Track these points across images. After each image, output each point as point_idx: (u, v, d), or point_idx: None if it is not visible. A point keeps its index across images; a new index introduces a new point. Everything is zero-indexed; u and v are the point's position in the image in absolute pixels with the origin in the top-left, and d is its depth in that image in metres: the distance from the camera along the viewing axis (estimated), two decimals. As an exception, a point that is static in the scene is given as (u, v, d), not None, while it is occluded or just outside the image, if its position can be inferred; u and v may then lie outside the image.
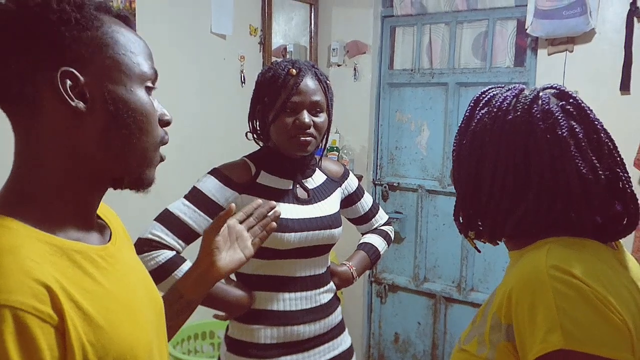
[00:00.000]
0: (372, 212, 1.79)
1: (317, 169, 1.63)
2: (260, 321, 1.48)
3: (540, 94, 0.94)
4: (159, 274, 1.34)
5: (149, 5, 2.43)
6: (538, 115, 0.91)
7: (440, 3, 3.09)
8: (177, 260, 1.38)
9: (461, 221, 1.02)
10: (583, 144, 0.90)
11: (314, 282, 1.55)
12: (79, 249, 0.74)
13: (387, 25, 3.36)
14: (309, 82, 1.47)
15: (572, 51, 2.67)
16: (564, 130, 0.89)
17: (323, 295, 1.57)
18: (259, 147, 1.59)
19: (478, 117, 0.96)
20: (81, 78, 0.73)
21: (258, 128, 1.55)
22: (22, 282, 0.64)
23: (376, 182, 3.47)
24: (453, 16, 3.10)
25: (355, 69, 3.36)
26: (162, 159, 0.85)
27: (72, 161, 0.76)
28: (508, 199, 0.92)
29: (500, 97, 0.96)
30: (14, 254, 0.67)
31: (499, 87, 1.01)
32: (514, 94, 0.95)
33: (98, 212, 0.85)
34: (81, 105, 0.73)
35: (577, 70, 2.66)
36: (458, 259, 3.23)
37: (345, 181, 1.71)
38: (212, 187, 1.45)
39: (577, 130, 0.90)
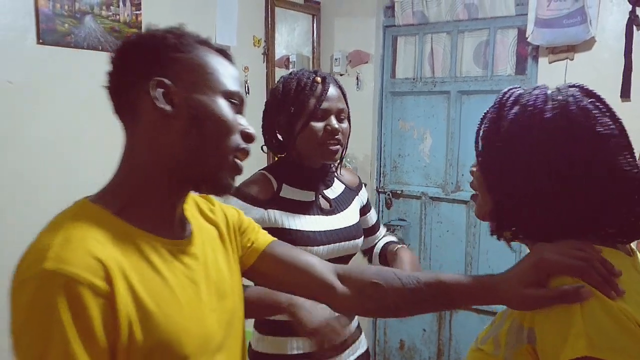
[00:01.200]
0: (377, 224, 1.80)
1: (335, 178, 1.63)
2: (289, 333, 1.43)
3: (571, 90, 0.94)
4: None
5: (154, 16, 2.46)
6: (576, 113, 0.90)
7: (442, 13, 3.12)
8: None
9: (497, 224, 0.99)
10: (618, 139, 0.91)
11: None
12: (148, 240, 0.85)
13: (389, 35, 3.39)
14: (333, 90, 1.50)
15: (572, 59, 2.70)
16: (603, 127, 0.90)
17: None
18: (276, 159, 1.58)
19: (510, 117, 0.94)
20: (171, 86, 0.86)
21: (280, 139, 1.53)
22: (82, 258, 0.75)
23: (380, 190, 3.49)
24: (454, 25, 3.13)
25: (357, 78, 3.39)
26: (240, 171, 0.92)
27: (157, 159, 0.87)
28: (557, 199, 0.90)
29: (530, 96, 0.94)
30: (83, 233, 0.78)
31: (517, 87, 0.99)
32: (544, 92, 0.94)
33: (197, 208, 1.00)
34: (168, 108, 0.85)
35: (578, 78, 2.69)
36: (462, 266, 3.25)
37: (361, 190, 1.72)
38: (236, 207, 1.44)
39: (612, 127, 0.91)
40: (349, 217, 1.59)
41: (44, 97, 2.15)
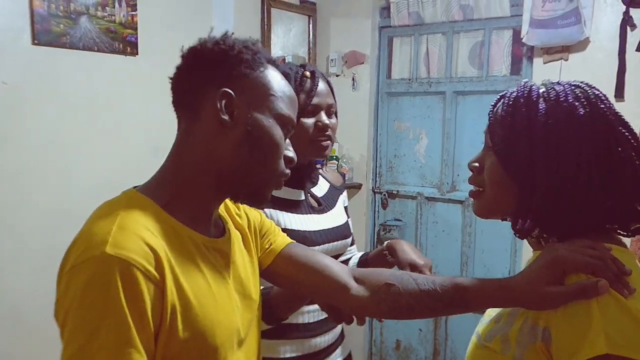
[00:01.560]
0: (352, 236, 1.69)
1: (319, 175, 1.61)
2: (283, 336, 1.44)
3: (595, 91, 0.95)
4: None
5: (150, 17, 2.47)
6: (608, 112, 0.92)
7: (437, 13, 3.13)
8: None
9: (527, 224, 0.96)
10: (637, 140, 0.94)
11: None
12: (190, 235, 0.91)
13: (385, 36, 3.40)
14: (322, 85, 1.47)
15: (567, 59, 2.71)
16: (630, 128, 0.94)
17: None
18: None
19: (542, 112, 0.93)
20: (235, 99, 0.91)
21: None
22: (138, 245, 0.81)
23: (375, 190, 3.50)
24: (450, 26, 3.15)
25: (353, 78, 3.40)
26: (279, 186, 0.99)
27: (208, 161, 0.92)
28: (594, 194, 0.91)
29: (555, 90, 0.94)
30: (137, 223, 0.84)
31: (531, 83, 0.99)
32: (569, 88, 0.94)
33: (226, 212, 1.06)
34: (227, 119, 0.91)
35: (572, 78, 2.64)
36: (458, 265, 3.26)
37: (344, 191, 1.69)
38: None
39: (632, 130, 0.94)
40: (337, 215, 1.57)
41: (39, 98, 2.15)
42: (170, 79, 0.96)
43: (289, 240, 1.15)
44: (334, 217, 1.55)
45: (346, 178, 3.38)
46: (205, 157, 0.93)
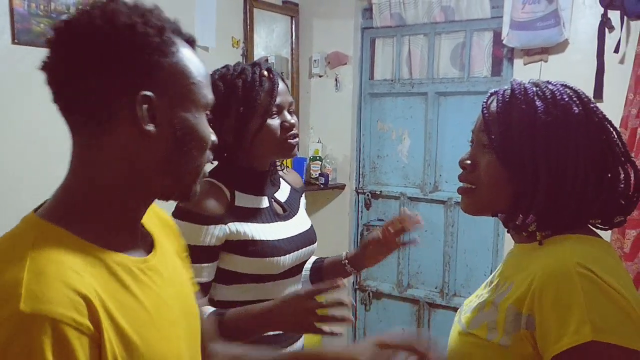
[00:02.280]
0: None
1: (280, 178, 1.54)
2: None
3: (583, 92, 1.00)
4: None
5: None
6: (598, 111, 0.98)
7: (419, 15, 3.15)
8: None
9: (530, 219, 0.99)
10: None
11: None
12: (119, 261, 0.76)
13: (367, 37, 3.42)
14: (281, 83, 1.40)
15: (546, 61, 2.75)
16: (614, 125, 0.99)
17: None
18: (217, 164, 1.44)
19: (541, 109, 0.95)
20: (156, 101, 0.75)
21: (223, 144, 1.34)
22: (63, 293, 0.65)
23: (359, 191, 3.51)
24: (431, 27, 3.17)
25: (336, 79, 3.41)
26: (204, 176, 0.88)
27: (130, 177, 0.78)
28: (592, 189, 0.95)
29: (549, 90, 0.98)
30: (58, 264, 0.68)
31: (522, 82, 1.02)
32: (561, 88, 0.98)
33: (153, 220, 0.91)
34: (151, 128, 0.75)
35: (552, 79, 2.69)
36: (440, 265, 3.28)
37: (304, 193, 1.63)
38: (196, 235, 1.29)
39: (615, 129, 1.00)
40: (303, 220, 1.52)
41: (19, 97, 2.12)
42: (42, 69, 0.75)
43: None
44: (300, 223, 1.49)
45: (330, 178, 3.39)
46: (128, 175, 0.78)
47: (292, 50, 3.47)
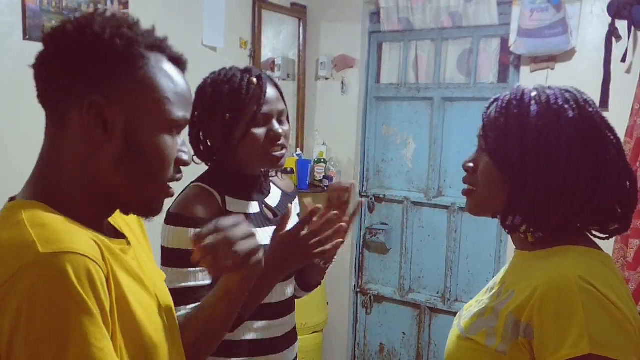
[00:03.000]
0: None
1: (271, 184, 1.51)
2: (252, 353, 1.36)
3: (584, 96, 1.00)
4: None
5: (142, 15, 2.45)
6: (596, 116, 0.98)
7: (427, 20, 3.16)
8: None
9: (516, 220, 1.01)
10: (621, 144, 1.01)
11: (288, 306, 1.46)
12: (101, 239, 0.78)
13: (375, 41, 3.43)
14: (271, 90, 1.35)
15: (553, 69, 2.75)
16: (615, 134, 0.99)
17: (293, 319, 1.49)
18: (209, 168, 1.42)
19: (534, 114, 0.97)
20: (108, 111, 0.77)
21: (212, 147, 1.37)
22: (83, 238, 0.72)
23: (363, 194, 3.52)
24: (439, 33, 3.18)
25: (342, 82, 3.42)
26: (170, 195, 0.87)
27: (80, 178, 0.80)
28: (582, 193, 0.95)
29: (546, 94, 0.99)
30: (55, 218, 0.73)
31: (524, 86, 1.03)
32: (560, 93, 0.99)
33: (113, 219, 0.91)
34: (99, 133, 0.77)
35: (558, 87, 2.73)
36: (442, 270, 3.28)
37: (296, 198, 1.60)
38: (189, 239, 1.24)
39: (616, 134, 1.00)
40: (293, 224, 1.46)
41: (30, 94, 2.13)
42: (32, 66, 0.81)
43: None
44: (290, 227, 1.46)
45: (333, 181, 3.40)
46: (78, 175, 0.79)
47: (299, 52, 3.48)
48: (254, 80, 1.33)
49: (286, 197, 1.54)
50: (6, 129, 2.09)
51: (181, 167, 0.89)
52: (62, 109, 0.78)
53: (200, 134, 1.38)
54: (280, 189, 1.55)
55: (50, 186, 0.80)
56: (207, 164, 1.43)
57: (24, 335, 0.64)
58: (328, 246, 1.22)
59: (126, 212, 0.87)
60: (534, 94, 1.00)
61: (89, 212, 0.81)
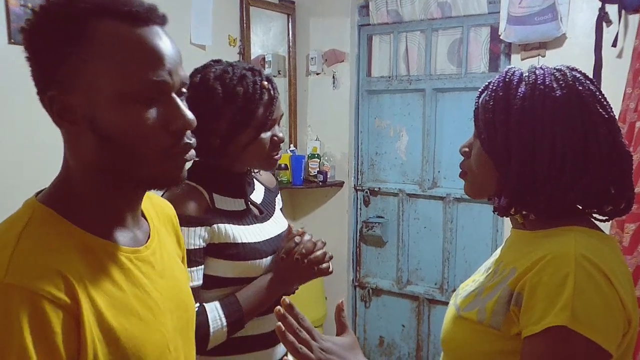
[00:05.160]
0: None
1: (254, 179, 1.50)
2: (244, 349, 1.37)
3: (574, 73, 0.97)
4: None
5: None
6: (585, 94, 0.95)
7: (416, 11, 3.15)
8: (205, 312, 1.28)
9: (502, 202, 1.00)
10: (616, 122, 0.98)
11: (276, 301, 1.45)
12: (106, 249, 0.78)
13: (364, 34, 3.41)
14: (277, 95, 1.37)
15: (544, 56, 2.74)
16: (606, 109, 0.96)
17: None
18: (192, 165, 1.37)
19: (520, 95, 0.96)
20: (65, 100, 0.72)
21: (208, 145, 1.33)
22: (43, 270, 0.69)
23: (357, 188, 3.51)
24: (428, 24, 3.17)
25: (334, 77, 3.41)
26: (184, 162, 0.80)
27: (83, 168, 0.78)
28: (569, 174, 0.94)
29: (535, 75, 0.97)
30: (44, 245, 0.72)
31: (516, 67, 1.02)
32: (548, 72, 0.97)
33: (146, 208, 0.90)
34: (69, 128, 0.75)
35: (550, 74, 2.73)
36: (440, 261, 3.28)
37: (279, 193, 1.60)
38: (186, 238, 1.24)
39: (610, 109, 0.97)
40: (279, 220, 1.50)
41: (15, 97, 2.11)
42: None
43: None
44: (277, 224, 1.47)
45: (328, 176, 3.39)
46: (80, 164, 0.78)
47: (289, 48, 3.46)
48: (266, 84, 1.33)
49: (270, 193, 1.53)
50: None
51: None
52: (46, 110, 0.76)
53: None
54: (263, 184, 1.54)
55: (61, 191, 0.79)
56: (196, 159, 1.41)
57: None
58: (324, 265, 1.33)
59: (148, 189, 0.83)
60: (525, 74, 0.99)
61: (101, 213, 0.79)
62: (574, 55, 2.66)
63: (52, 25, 0.72)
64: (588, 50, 2.59)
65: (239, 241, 1.33)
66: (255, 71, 1.35)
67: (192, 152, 0.81)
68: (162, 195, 1.32)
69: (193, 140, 0.80)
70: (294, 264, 1.33)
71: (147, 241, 0.86)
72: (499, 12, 2.81)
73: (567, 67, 0.99)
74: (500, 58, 2.98)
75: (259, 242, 1.37)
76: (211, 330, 1.25)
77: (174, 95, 0.77)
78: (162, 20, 0.78)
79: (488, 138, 1.00)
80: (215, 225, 1.31)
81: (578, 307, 0.84)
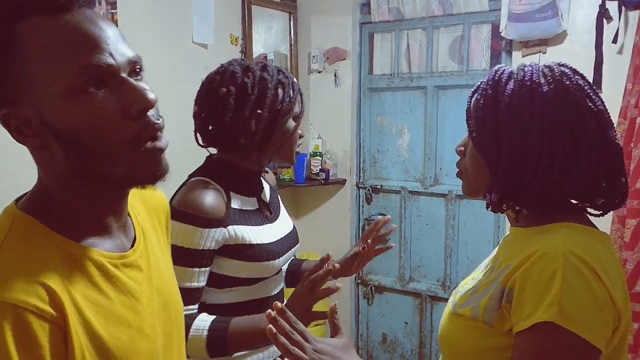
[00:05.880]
0: None
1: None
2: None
3: (562, 68, 0.98)
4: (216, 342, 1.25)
5: (131, 16, 2.46)
6: (572, 88, 0.95)
7: (417, 9, 3.15)
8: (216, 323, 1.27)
9: (493, 197, 1.01)
10: (607, 116, 0.97)
11: (281, 298, 1.48)
12: (91, 257, 0.75)
13: (366, 32, 3.42)
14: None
15: (545, 53, 2.75)
16: (595, 103, 0.96)
17: None
18: (206, 162, 1.42)
19: (508, 92, 0.97)
20: (20, 115, 0.69)
21: (231, 140, 1.34)
22: (26, 282, 0.67)
23: (359, 186, 3.52)
24: (429, 21, 3.17)
25: (335, 75, 3.41)
26: (159, 150, 0.75)
27: (59, 179, 0.75)
28: (557, 169, 0.94)
29: (523, 72, 0.98)
30: (25, 256, 0.70)
31: (505, 66, 1.03)
32: (536, 68, 0.98)
33: (132, 206, 0.86)
34: (32, 142, 0.71)
35: (551, 70, 2.73)
36: (442, 258, 3.29)
37: (277, 192, 1.62)
38: (194, 238, 1.26)
39: (599, 103, 0.97)
40: (286, 220, 1.51)
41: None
42: None
43: None
44: (284, 224, 1.49)
45: (330, 174, 3.40)
46: (52, 176, 0.75)
47: (290, 46, 3.47)
48: (295, 81, 1.40)
49: (273, 192, 1.56)
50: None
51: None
52: (8, 131, 0.72)
53: (210, 125, 1.37)
54: (268, 183, 1.55)
55: (40, 200, 0.76)
56: (208, 150, 1.42)
57: None
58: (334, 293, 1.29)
59: (130, 188, 0.79)
60: (513, 73, 1.00)
61: (83, 221, 0.77)
62: (574, 51, 2.66)
63: None
64: (589, 46, 2.59)
65: (253, 242, 1.34)
66: (280, 70, 1.40)
67: (165, 141, 0.75)
68: (177, 191, 1.33)
69: (161, 120, 0.74)
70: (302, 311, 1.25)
71: (133, 244, 0.83)
72: (500, 9, 2.81)
73: (556, 64, 1.00)
74: (501, 55, 2.99)
75: (271, 243, 1.38)
76: (190, 334, 1.23)
77: (124, 75, 0.71)
78: (86, 2, 0.71)
79: (479, 136, 1.01)
80: (230, 227, 1.31)
81: (566, 303, 0.84)
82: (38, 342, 0.65)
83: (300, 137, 1.44)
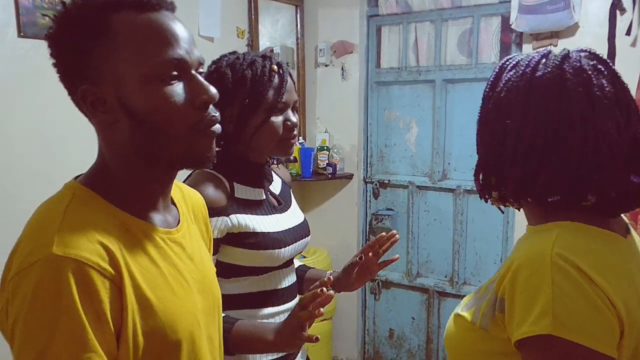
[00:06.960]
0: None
1: (272, 172, 1.53)
2: None
3: (572, 52, 0.93)
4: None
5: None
6: (570, 71, 0.89)
7: (425, 1, 3.12)
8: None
9: (481, 182, 1.00)
10: (613, 103, 0.89)
11: (293, 292, 1.47)
12: (143, 228, 0.84)
13: (373, 25, 3.38)
14: (288, 79, 1.38)
15: (556, 45, 2.70)
16: (595, 88, 0.88)
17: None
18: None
19: (505, 79, 0.95)
20: (97, 91, 0.79)
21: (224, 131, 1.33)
22: (89, 242, 0.75)
23: (367, 180, 3.50)
24: (438, 14, 3.13)
25: (342, 68, 3.38)
26: (213, 135, 0.85)
27: (117, 155, 0.84)
28: (536, 157, 0.89)
29: (527, 57, 0.95)
30: (84, 220, 0.78)
31: (518, 54, 0.99)
32: (542, 54, 0.93)
33: (175, 196, 0.96)
34: (104, 118, 0.81)
35: (562, 64, 2.69)
36: (450, 254, 3.27)
37: (291, 188, 1.61)
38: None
39: (607, 89, 0.89)
40: (297, 212, 1.52)
41: (26, 91, 2.11)
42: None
43: None
44: (294, 215, 1.49)
45: (337, 168, 3.38)
46: (114, 152, 0.84)
47: (297, 40, 3.44)
48: (275, 68, 1.35)
49: (286, 187, 1.56)
50: (3, 125, 2.07)
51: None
52: (78, 106, 0.83)
53: None
54: (280, 177, 1.56)
55: (99, 175, 0.85)
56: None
57: (22, 322, 0.71)
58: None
59: (179, 169, 0.88)
60: (520, 57, 0.97)
61: (137, 196, 0.85)
62: (586, 44, 2.58)
63: (76, 26, 0.78)
64: (601, 39, 2.55)
65: (258, 230, 1.34)
66: (266, 57, 1.38)
67: (218, 126, 0.86)
68: (183, 182, 1.32)
69: (217, 114, 0.86)
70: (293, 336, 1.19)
71: (177, 225, 0.92)
72: (510, 1, 2.77)
73: (577, 50, 0.94)
74: (511, 48, 2.94)
75: (277, 232, 1.38)
76: None
77: (193, 72, 0.83)
78: (171, 7, 0.85)
79: (478, 127, 1.01)
80: (232, 216, 1.32)
81: (559, 311, 0.79)
82: (99, 296, 0.73)
83: (290, 126, 1.38)
